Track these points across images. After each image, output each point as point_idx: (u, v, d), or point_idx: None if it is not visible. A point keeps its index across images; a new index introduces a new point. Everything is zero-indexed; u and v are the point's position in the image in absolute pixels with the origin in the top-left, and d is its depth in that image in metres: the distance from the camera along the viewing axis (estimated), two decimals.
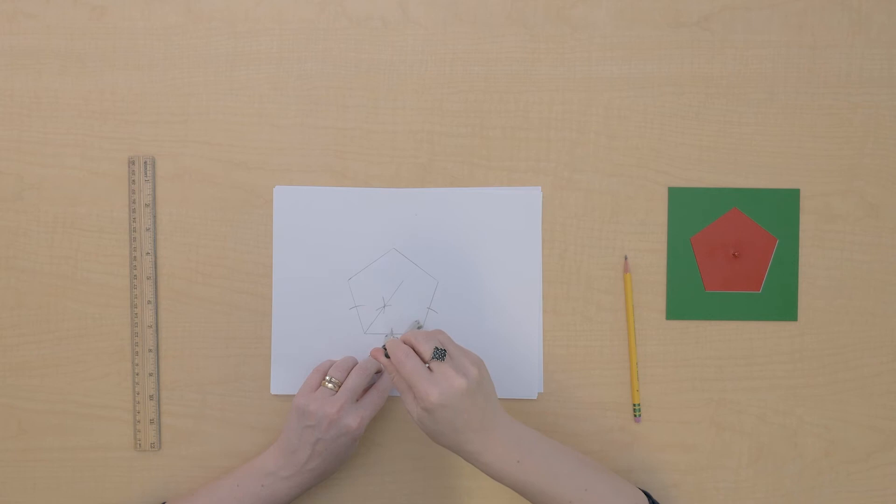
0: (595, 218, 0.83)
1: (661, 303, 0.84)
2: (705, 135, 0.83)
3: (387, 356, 0.73)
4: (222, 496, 0.77)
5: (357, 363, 0.81)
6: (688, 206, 0.83)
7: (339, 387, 0.78)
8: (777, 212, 0.83)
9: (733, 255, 0.83)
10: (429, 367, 0.71)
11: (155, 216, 0.84)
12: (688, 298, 0.83)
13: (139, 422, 0.84)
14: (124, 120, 0.84)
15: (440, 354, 0.71)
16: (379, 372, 0.81)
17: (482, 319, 0.83)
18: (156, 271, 0.84)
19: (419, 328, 0.83)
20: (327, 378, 0.78)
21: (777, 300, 0.83)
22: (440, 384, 0.70)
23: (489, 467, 0.72)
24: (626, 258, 0.83)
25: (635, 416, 0.83)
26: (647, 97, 0.83)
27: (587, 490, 0.72)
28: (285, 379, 0.83)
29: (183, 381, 0.84)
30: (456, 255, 0.83)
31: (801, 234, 0.83)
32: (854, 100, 0.83)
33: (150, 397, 0.83)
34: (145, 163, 0.83)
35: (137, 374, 0.84)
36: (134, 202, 0.83)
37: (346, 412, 0.76)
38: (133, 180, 0.83)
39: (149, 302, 0.83)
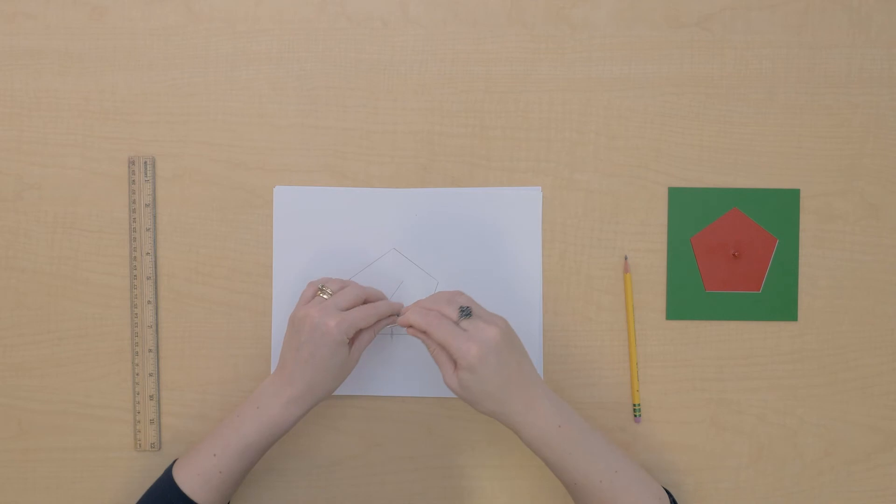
0: (595, 218, 0.83)
1: (661, 303, 0.83)
2: (705, 135, 0.83)
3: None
4: (223, 431, 0.75)
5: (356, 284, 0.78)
6: (688, 206, 0.83)
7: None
8: (777, 212, 0.83)
9: (733, 255, 0.83)
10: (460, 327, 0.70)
11: (155, 216, 0.84)
12: (688, 298, 0.83)
13: (139, 422, 0.84)
14: (124, 120, 0.84)
15: (467, 312, 0.71)
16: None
17: None
18: (156, 271, 0.84)
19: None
20: (321, 287, 0.76)
21: (777, 300, 0.83)
22: (476, 339, 0.69)
23: (531, 429, 0.71)
24: (626, 258, 0.83)
25: (635, 416, 0.83)
26: (647, 97, 0.83)
27: (617, 472, 0.72)
28: None
29: (183, 381, 0.84)
30: (456, 255, 0.83)
31: (801, 234, 0.83)
32: (854, 100, 0.83)
33: (150, 397, 0.83)
34: (145, 163, 0.83)
35: (137, 375, 0.83)
36: (134, 202, 0.83)
37: (328, 314, 0.73)
38: (133, 180, 0.83)
39: (149, 302, 0.83)
